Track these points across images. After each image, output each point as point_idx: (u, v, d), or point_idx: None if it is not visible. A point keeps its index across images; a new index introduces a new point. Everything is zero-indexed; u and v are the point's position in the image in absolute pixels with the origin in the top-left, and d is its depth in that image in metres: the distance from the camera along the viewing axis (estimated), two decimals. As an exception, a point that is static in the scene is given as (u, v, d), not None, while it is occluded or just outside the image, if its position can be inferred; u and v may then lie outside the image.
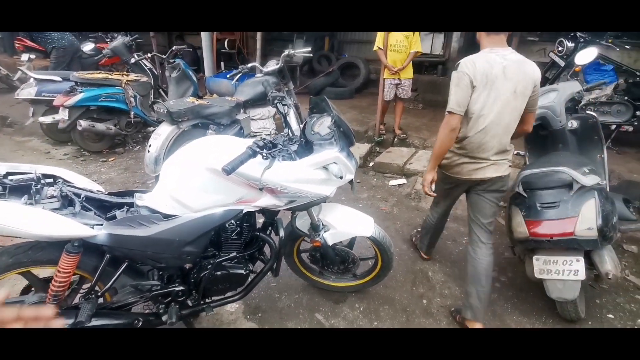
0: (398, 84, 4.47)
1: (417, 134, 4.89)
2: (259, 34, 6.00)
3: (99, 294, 1.61)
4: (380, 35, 4.25)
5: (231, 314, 2.20)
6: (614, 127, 4.22)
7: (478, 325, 2.07)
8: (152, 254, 1.58)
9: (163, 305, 1.75)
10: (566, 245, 1.94)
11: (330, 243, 1.99)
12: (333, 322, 2.17)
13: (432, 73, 6.98)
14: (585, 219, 1.90)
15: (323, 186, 1.73)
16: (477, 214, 2.13)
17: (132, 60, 5.00)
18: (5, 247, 1.50)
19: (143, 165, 3.78)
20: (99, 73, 4.50)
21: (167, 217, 1.57)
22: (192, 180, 1.57)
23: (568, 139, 2.60)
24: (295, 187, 1.64)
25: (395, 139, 4.83)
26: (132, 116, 4.44)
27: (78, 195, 1.58)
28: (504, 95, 1.84)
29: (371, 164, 4.41)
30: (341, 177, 1.65)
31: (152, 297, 1.71)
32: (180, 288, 1.72)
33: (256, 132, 3.85)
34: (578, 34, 4.26)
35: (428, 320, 2.21)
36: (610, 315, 2.27)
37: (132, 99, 4.34)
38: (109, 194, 1.70)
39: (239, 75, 3.76)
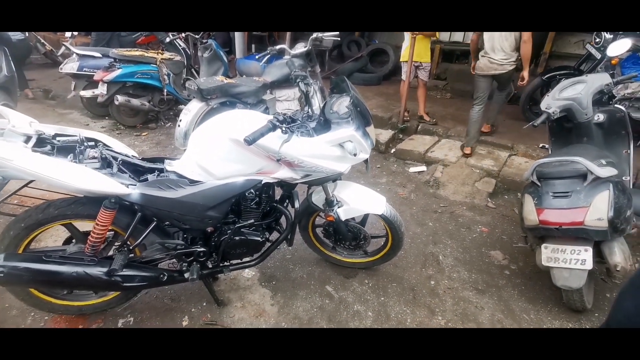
0: (418, 66, 4.55)
1: (441, 123, 4.87)
2: (290, 18, 6.08)
3: (131, 247, 1.79)
4: None
5: (247, 279, 2.36)
6: (648, 124, 4.08)
7: (467, 150, 4.11)
8: (177, 215, 1.73)
9: (186, 264, 1.91)
10: (575, 234, 1.97)
11: (343, 218, 2.10)
12: (342, 295, 2.29)
13: (463, 62, 6.86)
14: (597, 209, 1.91)
15: (338, 163, 1.83)
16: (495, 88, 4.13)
17: (167, 40, 5.20)
18: (51, 201, 1.69)
19: (173, 141, 3.99)
20: (136, 51, 4.73)
21: (192, 182, 1.72)
22: (216, 149, 1.70)
23: (593, 132, 2.56)
24: (311, 162, 1.74)
25: (419, 126, 4.83)
26: (165, 93, 4.65)
27: (115, 159, 1.74)
28: None
29: (393, 150, 4.45)
30: (355, 155, 1.74)
31: (177, 255, 1.88)
32: (202, 249, 1.88)
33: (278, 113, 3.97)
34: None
35: (434, 300, 2.29)
36: (619, 309, 2.28)
37: (165, 77, 4.55)
38: (143, 159, 1.86)
39: (267, 57, 3.87)
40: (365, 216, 2.30)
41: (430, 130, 4.76)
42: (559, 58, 5.58)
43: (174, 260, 1.94)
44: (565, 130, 2.69)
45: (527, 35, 3.49)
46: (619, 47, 3.94)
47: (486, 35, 3.68)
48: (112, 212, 1.64)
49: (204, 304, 2.17)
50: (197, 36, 5.20)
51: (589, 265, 1.96)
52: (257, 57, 3.96)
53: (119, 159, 1.75)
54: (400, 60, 4.68)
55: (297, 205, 1.98)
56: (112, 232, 1.85)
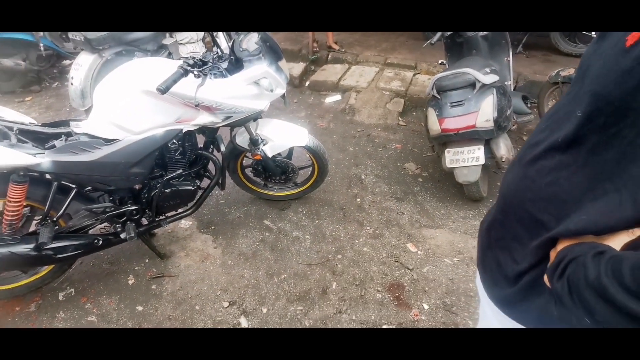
0: None
1: (349, 50, 4.97)
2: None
3: (54, 219, 1.70)
4: None
5: (186, 229, 2.40)
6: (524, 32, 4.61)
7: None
8: (99, 178, 1.67)
9: (119, 225, 1.89)
10: (469, 136, 2.29)
11: (270, 155, 2.18)
12: (280, 226, 2.45)
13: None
14: (484, 113, 2.23)
15: (256, 100, 1.86)
16: None
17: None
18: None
19: (67, 102, 3.59)
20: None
21: (108, 141, 1.65)
22: (129, 103, 1.63)
23: (480, 45, 2.86)
24: (230, 103, 1.76)
25: (329, 56, 4.88)
26: (42, 48, 4.03)
27: (11, 129, 1.58)
28: None
29: (307, 83, 4.50)
30: (272, 91, 1.78)
31: (107, 218, 1.84)
32: (134, 207, 1.86)
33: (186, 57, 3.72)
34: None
35: (361, 214, 2.57)
36: (507, 193, 2.77)
37: (38, 28, 3.91)
38: (43, 125, 1.71)
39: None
40: (291, 150, 2.40)
41: (340, 58, 4.84)
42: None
43: (106, 224, 1.90)
44: (457, 45, 2.95)
45: None
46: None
47: None
48: (23, 186, 1.54)
49: (147, 260, 2.19)
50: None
51: (482, 160, 2.33)
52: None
53: (14, 129, 1.59)
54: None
55: (222, 149, 2.01)
56: (28, 207, 1.74)
